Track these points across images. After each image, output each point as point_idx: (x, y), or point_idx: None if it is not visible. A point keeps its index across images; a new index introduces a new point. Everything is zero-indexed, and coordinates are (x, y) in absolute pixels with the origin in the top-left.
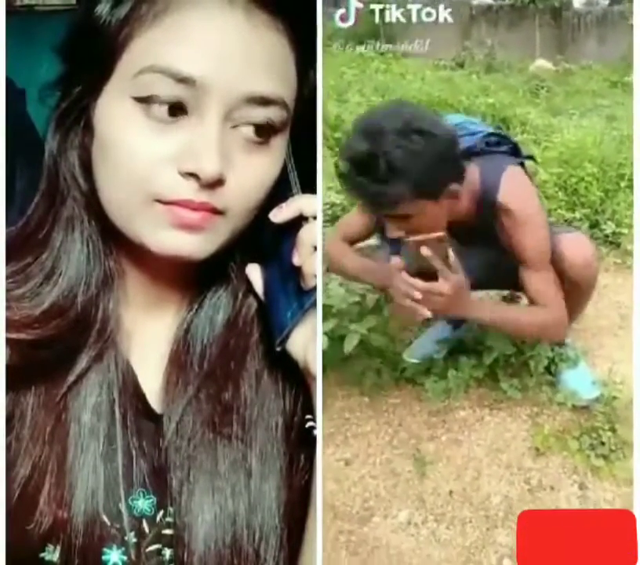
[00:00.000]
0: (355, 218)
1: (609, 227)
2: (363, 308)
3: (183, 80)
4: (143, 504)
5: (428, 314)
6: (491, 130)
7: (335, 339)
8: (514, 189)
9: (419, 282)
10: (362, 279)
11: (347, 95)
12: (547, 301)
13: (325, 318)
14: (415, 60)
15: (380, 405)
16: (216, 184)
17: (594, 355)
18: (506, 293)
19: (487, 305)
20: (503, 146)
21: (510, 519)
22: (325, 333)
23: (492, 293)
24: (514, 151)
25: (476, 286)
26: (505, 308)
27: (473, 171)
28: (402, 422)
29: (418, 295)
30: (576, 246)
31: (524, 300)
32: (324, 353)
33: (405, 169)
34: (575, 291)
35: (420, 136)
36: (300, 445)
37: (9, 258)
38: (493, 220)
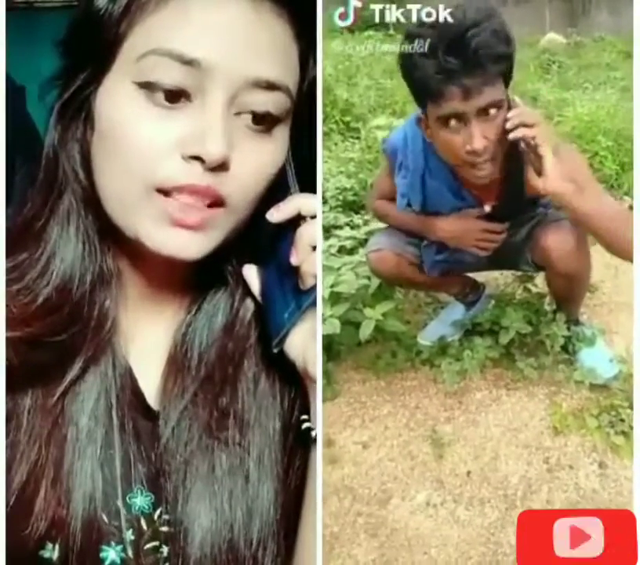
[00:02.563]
0: (386, 179)
1: (625, 202)
2: (375, 291)
3: (188, 62)
4: (142, 501)
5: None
6: None
7: (347, 323)
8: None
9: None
10: (408, 229)
11: (355, 78)
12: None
13: (336, 302)
14: None
15: (396, 388)
16: (221, 168)
17: (611, 331)
18: (520, 273)
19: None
20: None
21: (529, 499)
22: (337, 317)
23: (507, 273)
24: None
25: (488, 266)
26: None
27: None
28: (419, 404)
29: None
30: (560, 237)
31: (538, 280)
32: (337, 337)
33: (497, 49)
34: (568, 282)
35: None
36: (297, 448)
37: (5, 254)
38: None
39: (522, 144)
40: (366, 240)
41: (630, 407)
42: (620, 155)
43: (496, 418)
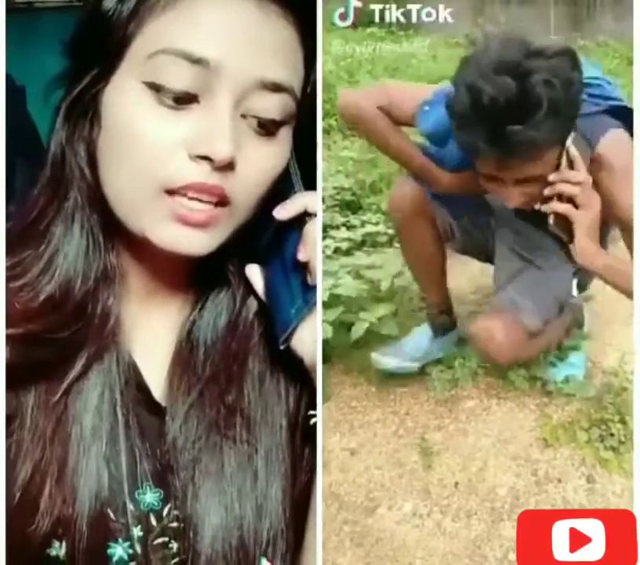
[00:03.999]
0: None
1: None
2: (374, 295)
3: (197, 61)
4: (151, 497)
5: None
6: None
7: (340, 327)
8: (617, 143)
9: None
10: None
11: (357, 76)
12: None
13: (330, 306)
14: (426, 39)
15: (386, 393)
16: (228, 167)
17: (605, 343)
18: None
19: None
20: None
21: (517, 512)
22: (329, 322)
23: None
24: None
25: None
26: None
27: None
28: (409, 411)
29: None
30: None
31: None
32: (329, 341)
33: (562, 106)
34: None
35: (561, 61)
36: (304, 444)
37: (8, 250)
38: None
39: (551, 219)
40: (363, 242)
41: (621, 421)
42: None
43: (486, 428)
